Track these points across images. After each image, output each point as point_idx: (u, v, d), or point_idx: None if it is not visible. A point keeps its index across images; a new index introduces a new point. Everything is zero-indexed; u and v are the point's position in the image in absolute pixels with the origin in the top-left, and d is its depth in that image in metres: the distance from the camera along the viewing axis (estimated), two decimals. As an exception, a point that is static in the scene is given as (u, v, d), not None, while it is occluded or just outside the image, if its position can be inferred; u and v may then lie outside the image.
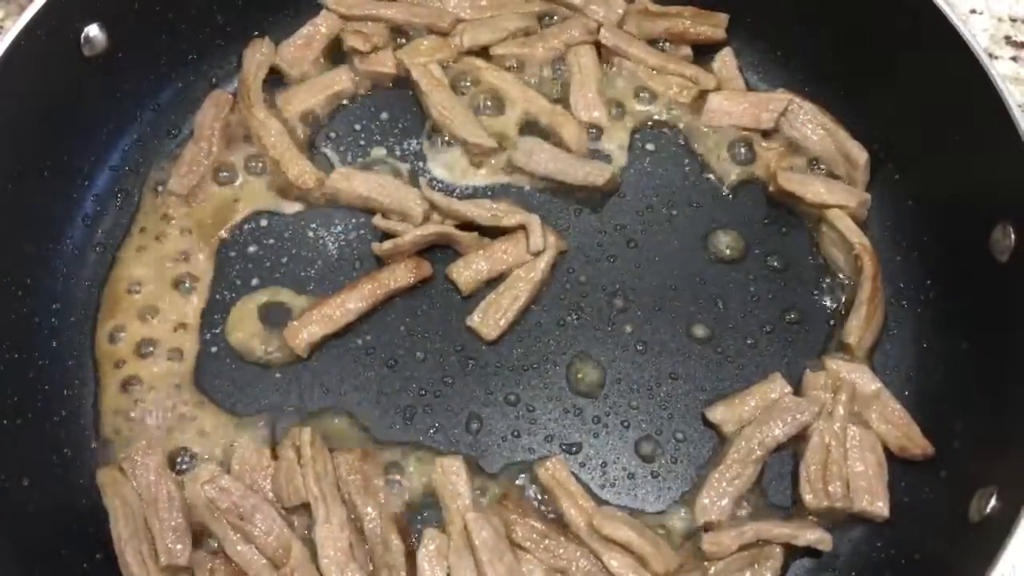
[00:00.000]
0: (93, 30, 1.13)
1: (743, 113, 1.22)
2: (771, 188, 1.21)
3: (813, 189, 1.18)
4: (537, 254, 1.15)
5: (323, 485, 1.02)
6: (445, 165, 1.23)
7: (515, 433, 1.09)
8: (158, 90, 1.25)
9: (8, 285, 1.09)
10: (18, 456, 1.04)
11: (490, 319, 1.13)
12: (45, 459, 1.06)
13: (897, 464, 1.06)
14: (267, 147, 1.20)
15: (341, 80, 1.25)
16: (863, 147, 1.19)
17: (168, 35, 1.22)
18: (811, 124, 1.21)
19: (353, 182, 1.18)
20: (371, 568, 1.01)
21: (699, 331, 1.14)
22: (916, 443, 1.06)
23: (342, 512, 1.01)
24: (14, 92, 1.07)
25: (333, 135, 1.25)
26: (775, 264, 1.18)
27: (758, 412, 1.08)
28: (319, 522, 1.00)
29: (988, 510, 0.93)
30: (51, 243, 1.16)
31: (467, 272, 1.15)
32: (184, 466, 1.07)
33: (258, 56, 1.25)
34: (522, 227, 1.15)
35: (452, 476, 1.04)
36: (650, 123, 1.25)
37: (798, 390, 1.10)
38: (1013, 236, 1.02)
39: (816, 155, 1.21)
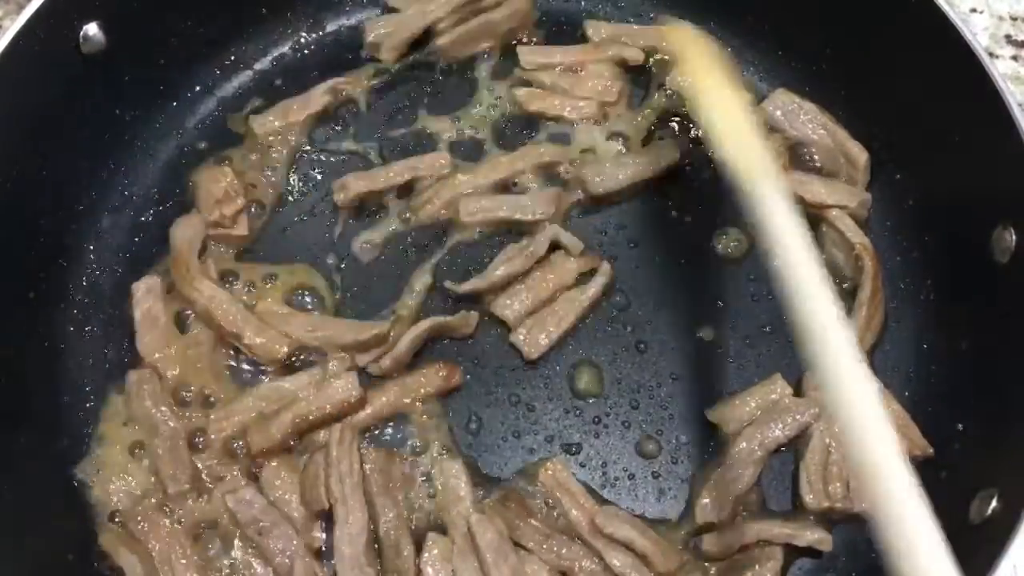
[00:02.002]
0: (92, 29, 1.12)
1: (619, 36, 1.28)
2: (771, 188, 1.20)
3: (813, 189, 1.17)
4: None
5: (345, 486, 1.01)
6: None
7: (515, 433, 1.09)
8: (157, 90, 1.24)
9: (5, 286, 1.09)
10: (17, 458, 1.03)
11: (534, 338, 1.12)
12: (45, 460, 1.06)
13: (897, 465, 1.06)
14: (221, 323, 1.10)
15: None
16: (863, 147, 1.19)
17: (167, 35, 1.21)
18: (811, 124, 1.21)
19: None
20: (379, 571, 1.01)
21: (700, 331, 1.14)
22: (916, 444, 1.05)
23: (363, 515, 1.01)
24: (12, 90, 1.06)
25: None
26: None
27: (758, 412, 1.08)
28: (338, 523, 1.00)
29: (989, 512, 0.93)
30: (49, 243, 1.15)
31: (515, 305, 1.12)
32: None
33: (189, 232, 1.15)
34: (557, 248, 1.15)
35: (452, 480, 1.04)
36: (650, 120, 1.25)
37: (798, 390, 1.10)
38: (1014, 237, 1.02)
39: (816, 155, 1.21)
